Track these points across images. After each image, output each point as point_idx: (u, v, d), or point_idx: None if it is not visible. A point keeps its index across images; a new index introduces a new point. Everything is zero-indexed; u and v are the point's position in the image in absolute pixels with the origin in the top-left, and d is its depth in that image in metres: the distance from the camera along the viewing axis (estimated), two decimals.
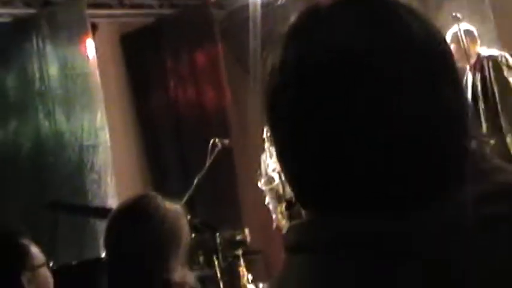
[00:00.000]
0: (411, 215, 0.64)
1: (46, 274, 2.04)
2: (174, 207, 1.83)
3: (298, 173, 0.71)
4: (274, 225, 5.47)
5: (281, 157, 0.72)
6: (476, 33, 5.16)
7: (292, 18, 0.73)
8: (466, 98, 0.70)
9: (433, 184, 0.66)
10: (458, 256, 0.63)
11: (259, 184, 5.50)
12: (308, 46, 0.68)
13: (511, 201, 0.64)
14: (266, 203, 5.55)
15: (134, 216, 1.78)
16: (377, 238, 0.65)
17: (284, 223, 5.42)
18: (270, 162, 5.52)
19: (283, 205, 5.44)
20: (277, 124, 0.71)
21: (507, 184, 0.66)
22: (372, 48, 0.66)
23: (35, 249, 2.01)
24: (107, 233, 1.84)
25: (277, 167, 5.47)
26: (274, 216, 5.47)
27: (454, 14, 4.89)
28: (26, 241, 2.01)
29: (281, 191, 5.48)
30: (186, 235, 1.83)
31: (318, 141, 0.67)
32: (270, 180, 5.46)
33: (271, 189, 5.46)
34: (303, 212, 0.74)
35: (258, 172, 5.62)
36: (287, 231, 0.75)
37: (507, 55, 5.07)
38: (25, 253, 1.96)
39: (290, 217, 5.38)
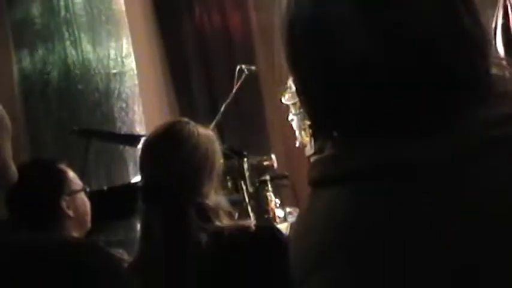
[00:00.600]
0: (427, 140, 0.65)
1: (84, 199, 2.10)
2: (206, 132, 1.85)
3: (321, 99, 0.70)
4: (298, 142, 5.45)
5: (302, 86, 0.73)
6: None
7: None
8: (485, 27, 0.69)
9: (449, 107, 0.67)
10: (473, 179, 0.64)
11: (283, 99, 5.46)
12: None
13: None
14: (290, 119, 5.52)
15: (168, 142, 1.81)
16: (400, 167, 0.65)
17: (307, 139, 5.40)
18: None
19: (307, 122, 5.41)
20: (296, 49, 0.71)
21: None
22: None
23: (73, 175, 2.06)
24: (141, 159, 1.87)
25: None
26: (297, 132, 5.44)
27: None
28: (64, 167, 2.06)
29: None
30: (219, 160, 1.85)
31: (338, 66, 0.68)
32: (294, 95, 5.43)
33: (294, 104, 5.41)
34: (325, 143, 0.74)
35: (283, 87, 5.57)
36: (311, 167, 0.75)
37: None
38: (64, 178, 2.01)
39: (313, 135, 5.36)
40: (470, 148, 0.64)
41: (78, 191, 2.06)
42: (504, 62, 0.67)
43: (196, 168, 1.77)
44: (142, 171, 1.86)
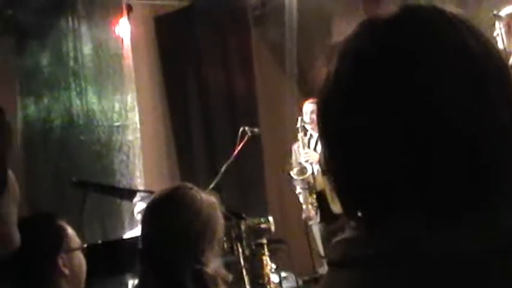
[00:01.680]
0: (453, 235, 0.64)
1: (81, 257, 2.06)
2: (209, 199, 1.84)
3: (347, 178, 0.70)
4: (304, 215, 5.47)
5: (331, 162, 0.72)
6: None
7: (350, 30, 0.74)
8: None
9: (480, 198, 0.65)
10: (499, 277, 0.63)
11: (291, 173, 5.50)
12: (362, 62, 0.69)
13: None
14: (297, 192, 5.56)
15: (170, 207, 1.80)
16: (421, 257, 0.64)
17: (313, 214, 5.41)
18: (302, 152, 5.51)
19: (314, 196, 5.43)
20: (329, 128, 0.72)
21: None
22: (423, 66, 0.66)
23: (71, 232, 2.03)
24: (143, 220, 1.85)
25: (310, 157, 5.45)
26: (304, 206, 5.47)
27: (495, 12, 4.78)
28: (63, 223, 2.03)
29: (312, 181, 5.47)
30: (221, 227, 1.84)
31: (370, 146, 0.67)
32: (303, 170, 5.46)
33: (302, 180, 5.45)
34: (346, 221, 0.73)
35: (290, 161, 5.61)
36: (333, 246, 0.74)
37: None
38: (63, 235, 1.98)
39: (320, 209, 5.37)
40: (500, 244, 0.62)
41: (75, 249, 2.03)
42: None
43: (197, 234, 1.76)
44: (143, 232, 1.85)
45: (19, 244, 1.09)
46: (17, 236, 1.09)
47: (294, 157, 5.58)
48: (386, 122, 0.66)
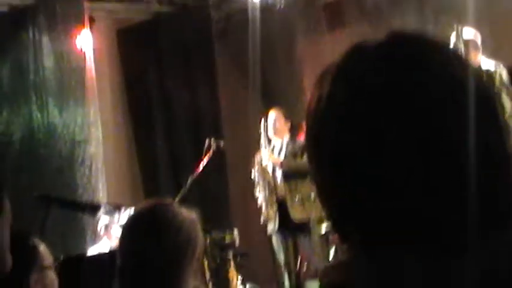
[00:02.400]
0: (458, 260, 0.65)
1: (53, 276, 2.01)
2: (190, 216, 1.81)
3: (343, 202, 0.70)
4: (262, 218, 5.44)
5: (325, 185, 0.72)
6: (479, 42, 5.12)
7: (342, 53, 0.75)
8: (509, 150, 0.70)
9: (479, 230, 0.66)
10: None
11: (252, 171, 5.47)
12: (355, 86, 0.70)
13: None
14: (256, 194, 5.52)
15: (151, 225, 1.76)
16: (429, 282, 0.65)
17: (272, 216, 5.39)
18: (264, 154, 5.51)
19: (274, 198, 5.42)
20: (321, 154, 0.72)
21: None
22: (415, 92, 0.68)
23: (44, 249, 1.99)
24: (122, 238, 1.82)
25: (272, 159, 5.45)
26: (263, 208, 5.44)
27: (455, 26, 4.90)
28: (36, 241, 1.98)
29: (273, 183, 5.46)
30: (202, 244, 1.81)
31: (367, 173, 0.68)
32: (264, 170, 5.46)
33: (263, 180, 5.44)
34: (341, 245, 0.73)
35: (252, 162, 5.60)
36: (325, 272, 0.74)
37: (503, 69, 5.03)
38: (35, 253, 1.93)
39: (280, 214, 5.37)
40: (499, 277, 0.63)
41: (48, 268, 1.98)
42: None
43: (178, 251, 1.73)
44: (121, 249, 1.81)
45: (10, 266, 1.05)
46: (9, 259, 1.05)
47: (257, 158, 5.56)
48: (383, 147, 0.67)
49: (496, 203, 0.67)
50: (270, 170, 5.46)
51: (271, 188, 5.43)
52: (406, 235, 0.67)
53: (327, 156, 0.71)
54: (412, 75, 0.69)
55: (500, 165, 0.68)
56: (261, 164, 5.46)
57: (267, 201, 5.39)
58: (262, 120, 5.57)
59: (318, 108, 0.72)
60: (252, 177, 5.47)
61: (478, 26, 5.31)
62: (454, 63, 0.70)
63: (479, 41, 5.12)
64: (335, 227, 0.73)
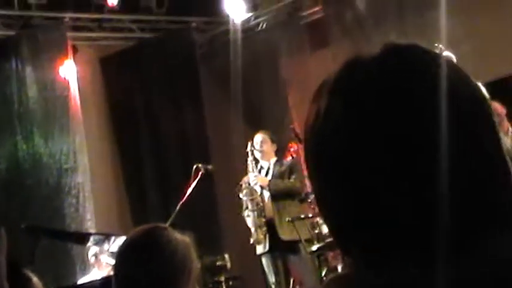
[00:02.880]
0: (450, 272, 0.65)
1: None
2: (183, 239, 1.81)
3: (345, 216, 0.70)
4: (252, 239, 5.41)
5: (325, 201, 0.72)
6: (454, 61, 5.22)
7: (335, 70, 0.74)
8: (505, 155, 0.71)
9: (473, 237, 0.67)
10: None
11: (240, 195, 5.46)
12: (353, 99, 0.70)
13: None
14: (246, 215, 5.49)
15: (147, 248, 1.76)
16: None
17: (262, 237, 5.37)
18: (251, 175, 5.50)
19: (263, 220, 5.40)
20: (322, 168, 0.72)
21: None
22: (414, 103, 0.68)
23: (36, 281, 1.97)
24: (118, 264, 1.81)
25: (259, 181, 5.44)
26: (252, 229, 5.41)
27: (435, 45, 4.98)
28: (28, 272, 1.96)
29: (261, 204, 5.45)
30: (196, 267, 1.81)
31: (364, 189, 0.68)
32: (252, 191, 5.44)
33: (252, 201, 5.42)
34: (343, 257, 0.73)
35: (239, 184, 5.57)
36: (329, 283, 0.74)
37: (481, 87, 5.13)
38: (29, 285, 1.91)
39: (269, 235, 5.35)
40: (484, 283, 0.64)
41: None
42: None
43: (173, 275, 1.73)
44: (117, 274, 1.80)
45: None
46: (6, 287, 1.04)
47: (244, 179, 5.55)
48: (382, 161, 0.67)
49: (479, 213, 0.67)
50: (258, 191, 5.45)
51: (260, 209, 5.41)
52: (403, 248, 0.67)
53: (326, 171, 0.71)
54: (409, 87, 0.69)
55: (496, 176, 0.69)
56: (249, 186, 5.44)
57: (256, 223, 5.37)
58: (249, 143, 5.56)
59: (315, 123, 0.73)
60: (241, 197, 5.45)
61: (457, 45, 5.40)
62: (451, 75, 0.70)
63: (454, 60, 5.22)
64: (337, 241, 0.73)
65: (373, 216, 0.68)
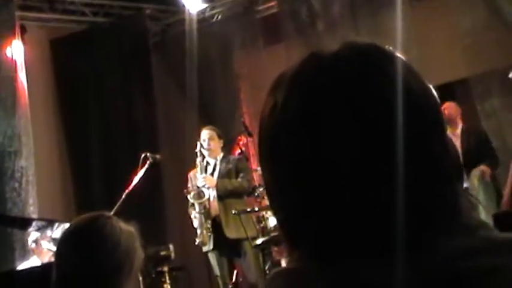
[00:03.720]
0: (400, 268, 0.66)
1: None
2: (128, 229, 1.79)
3: (296, 212, 0.71)
4: (198, 240, 5.40)
5: (278, 194, 0.73)
6: None
7: (295, 63, 0.75)
8: (454, 155, 0.73)
9: (421, 235, 0.68)
10: None
11: (188, 197, 5.43)
12: (312, 91, 0.71)
13: (497, 255, 0.68)
14: (192, 216, 5.48)
15: (89, 238, 1.73)
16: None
17: (208, 239, 5.37)
18: (200, 177, 5.48)
19: (209, 221, 5.40)
20: (276, 160, 0.72)
21: (492, 239, 0.70)
22: (371, 99, 0.70)
23: None
24: (59, 252, 1.77)
25: (207, 182, 5.42)
26: (199, 231, 5.40)
27: (386, 47, 5.06)
28: None
29: (208, 206, 5.44)
30: (140, 258, 1.79)
31: (318, 182, 0.69)
32: (200, 194, 5.41)
33: (200, 204, 5.40)
34: (289, 254, 0.73)
35: (188, 186, 5.55)
36: (273, 277, 0.73)
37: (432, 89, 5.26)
38: None
39: (214, 233, 5.35)
40: (436, 277, 0.65)
41: None
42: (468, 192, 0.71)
43: (116, 265, 1.71)
44: (58, 263, 1.77)
45: None
46: None
47: (192, 181, 5.54)
48: (338, 154, 0.68)
49: (427, 211, 0.69)
50: (206, 193, 5.42)
51: (206, 212, 5.40)
52: (355, 242, 0.69)
53: (280, 162, 0.72)
54: (366, 83, 0.70)
55: (445, 177, 0.71)
56: (197, 189, 5.42)
57: (202, 225, 5.37)
58: (198, 143, 5.53)
59: (272, 115, 0.73)
60: (189, 199, 5.42)
61: (409, 48, 5.52)
62: (405, 73, 0.72)
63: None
64: (287, 233, 0.73)
65: (326, 210, 0.69)
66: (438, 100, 0.75)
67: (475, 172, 5.38)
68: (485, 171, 5.40)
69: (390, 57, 0.73)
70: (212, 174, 5.57)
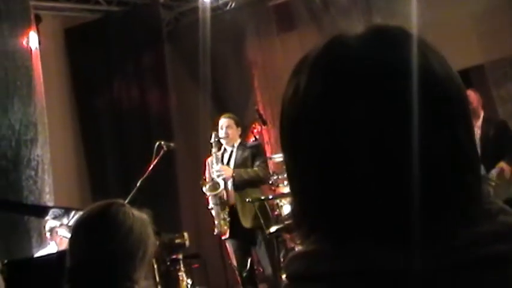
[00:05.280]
0: (418, 252, 0.67)
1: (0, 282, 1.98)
2: (141, 216, 1.81)
3: (317, 194, 0.71)
4: (216, 230, 5.42)
5: (297, 177, 0.73)
6: None
7: (319, 45, 0.74)
8: (475, 143, 0.73)
9: (441, 221, 0.68)
10: None
11: (204, 189, 5.44)
12: (335, 76, 0.70)
13: None
14: (210, 207, 5.50)
15: (103, 224, 1.75)
16: (384, 274, 0.67)
17: (226, 229, 5.39)
18: (215, 168, 5.48)
19: (226, 211, 5.42)
20: (297, 144, 0.72)
21: None
22: (395, 85, 0.69)
23: None
24: (73, 240, 1.80)
25: (223, 173, 5.43)
26: (216, 222, 5.43)
27: None
28: None
29: (225, 197, 5.45)
30: (152, 245, 1.81)
31: (337, 167, 0.69)
32: (215, 185, 5.42)
33: (215, 195, 5.41)
34: (307, 237, 0.73)
35: (203, 177, 5.57)
36: (293, 258, 0.74)
37: None
38: None
39: (231, 224, 5.38)
40: (457, 262, 0.66)
41: None
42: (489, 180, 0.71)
43: (129, 252, 1.72)
44: (72, 250, 1.79)
45: None
46: None
47: (207, 172, 5.55)
48: (360, 140, 0.68)
49: (448, 198, 0.69)
50: (221, 184, 5.43)
51: (223, 203, 5.41)
52: (373, 227, 0.69)
53: (302, 145, 0.71)
54: (390, 69, 0.69)
55: (468, 163, 0.71)
56: (212, 181, 5.43)
57: (220, 216, 5.38)
58: (213, 134, 5.51)
59: (294, 99, 0.73)
60: (205, 191, 5.43)
61: (423, 33, 5.44)
62: (432, 58, 0.72)
63: None
64: (304, 218, 0.74)
65: (344, 194, 0.69)
66: (464, 87, 0.74)
67: (494, 171, 5.28)
68: (505, 168, 5.30)
69: (416, 42, 0.72)
70: (228, 162, 5.57)
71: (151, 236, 1.79)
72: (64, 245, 5.12)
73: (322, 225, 0.72)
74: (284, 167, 0.77)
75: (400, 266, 0.66)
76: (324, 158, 0.70)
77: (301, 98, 0.72)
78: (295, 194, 0.75)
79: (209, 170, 5.56)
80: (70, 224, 3.94)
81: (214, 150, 5.48)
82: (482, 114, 5.54)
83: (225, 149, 5.62)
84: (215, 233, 5.43)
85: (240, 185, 5.42)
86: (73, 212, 3.93)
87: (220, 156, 5.52)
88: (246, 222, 5.33)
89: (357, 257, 0.68)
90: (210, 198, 5.45)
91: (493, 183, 4.95)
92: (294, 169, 0.74)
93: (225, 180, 5.43)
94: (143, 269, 1.75)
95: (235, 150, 5.58)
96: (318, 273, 0.69)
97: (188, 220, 7.04)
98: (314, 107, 0.70)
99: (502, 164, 5.27)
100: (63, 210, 4.14)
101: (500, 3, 6.39)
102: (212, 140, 5.47)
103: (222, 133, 5.51)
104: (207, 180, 5.48)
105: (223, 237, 5.47)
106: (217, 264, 6.05)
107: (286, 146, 0.75)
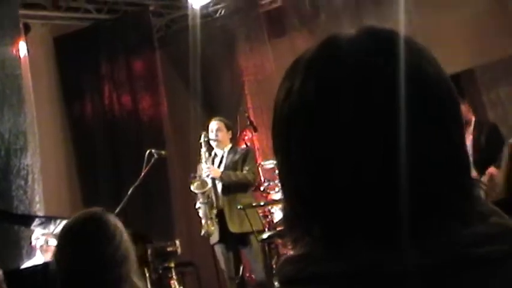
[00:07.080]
0: (411, 253, 0.66)
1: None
2: (119, 223, 1.83)
3: (311, 195, 0.71)
4: (203, 231, 5.40)
5: (290, 177, 0.73)
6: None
7: (312, 47, 0.74)
8: (466, 143, 0.73)
9: (434, 221, 0.68)
10: None
11: (192, 187, 5.43)
12: (329, 77, 0.71)
13: (510, 242, 0.68)
14: (197, 207, 5.48)
15: (92, 233, 1.75)
16: (377, 275, 0.67)
17: (213, 229, 5.37)
18: (204, 167, 5.48)
19: (214, 211, 5.40)
20: (289, 144, 0.72)
21: (505, 226, 0.70)
22: (387, 86, 0.69)
23: None
24: (61, 248, 1.79)
25: (212, 172, 5.42)
26: (203, 221, 5.41)
27: None
28: None
29: (213, 197, 5.44)
30: (132, 249, 1.84)
31: (331, 166, 0.69)
32: (203, 184, 5.41)
33: (203, 194, 5.40)
34: (299, 239, 0.73)
35: (192, 175, 5.55)
36: (286, 262, 0.73)
37: None
38: None
39: (220, 225, 5.36)
40: (451, 263, 0.66)
41: None
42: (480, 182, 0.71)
43: (122, 258, 1.73)
44: (62, 258, 1.78)
45: None
46: None
47: (197, 172, 5.54)
48: (352, 142, 0.68)
49: (441, 198, 0.69)
50: (209, 182, 5.42)
51: (211, 202, 5.40)
52: (365, 226, 0.69)
53: (294, 147, 0.71)
54: (382, 70, 0.69)
55: (460, 164, 0.71)
56: (200, 179, 5.42)
57: (207, 215, 5.36)
58: (203, 134, 5.52)
59: (287, 99, 0.73)
60: (193, 190, 5.41)
61: (414, 36, 5.46)
62: (424, 61, 0.72)
63: None
64: (297, 220, 0.73)
65: (338, 193, 0.69)
66: (455, 89, 0.74)
67: (484, 177, 5.33)
68: (494, 174, 5.33)
69: (408, 44, 0.72)
70: (219, 165, 5.56)
71: (130, 241, 1.82)
72: (49, 252, 5.08)
73: (314, 228, 0.71)
74: (275, 173, 0.77)
75: (393, 267, 0.66)
76: (316, 160, 0.69)
77: (295, 100, 0.72)
78: (288, 197, 0.74)
79: (198, 170, 5.55)
80: (55, 232, 3.92)
81: (203, 150, 5.47)
82: (473, 119, 5.59)
83: (215, 154, 5.61)
84: (202, 234, 5.40)
85: (229, 188, 5.41)
86: (58, 221, 3.90)
87: (209, 156, 5.51)
88: (234, 227, 5.32)
89: (349, 258, 0.68)
90: (197, 196, 5.43)
91: (484, 187, 4.96)
92: (286, 172, 0.73)
93: (213, 180, 5.42)
94: (135, 273, 1.76)
95: (225, 154, 5.58)
96: (310, 276, 0.69)
97: (180, 228, 7.02)
98: (307, 108, 0.70)
99: (492, 170, 5.32)
100: (48, 219, 4.12)
101: (489, 8, 6.43)
102: (202, 140, 5.46)
103: (212, 135, 5.50)
104: (196, 178, 5.47)
105: (211, 241, 5.45)
106: (209, 272, 6.02)
107: (278, 149, 0.74)
